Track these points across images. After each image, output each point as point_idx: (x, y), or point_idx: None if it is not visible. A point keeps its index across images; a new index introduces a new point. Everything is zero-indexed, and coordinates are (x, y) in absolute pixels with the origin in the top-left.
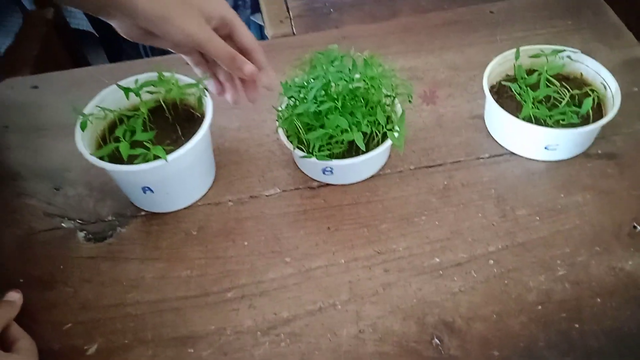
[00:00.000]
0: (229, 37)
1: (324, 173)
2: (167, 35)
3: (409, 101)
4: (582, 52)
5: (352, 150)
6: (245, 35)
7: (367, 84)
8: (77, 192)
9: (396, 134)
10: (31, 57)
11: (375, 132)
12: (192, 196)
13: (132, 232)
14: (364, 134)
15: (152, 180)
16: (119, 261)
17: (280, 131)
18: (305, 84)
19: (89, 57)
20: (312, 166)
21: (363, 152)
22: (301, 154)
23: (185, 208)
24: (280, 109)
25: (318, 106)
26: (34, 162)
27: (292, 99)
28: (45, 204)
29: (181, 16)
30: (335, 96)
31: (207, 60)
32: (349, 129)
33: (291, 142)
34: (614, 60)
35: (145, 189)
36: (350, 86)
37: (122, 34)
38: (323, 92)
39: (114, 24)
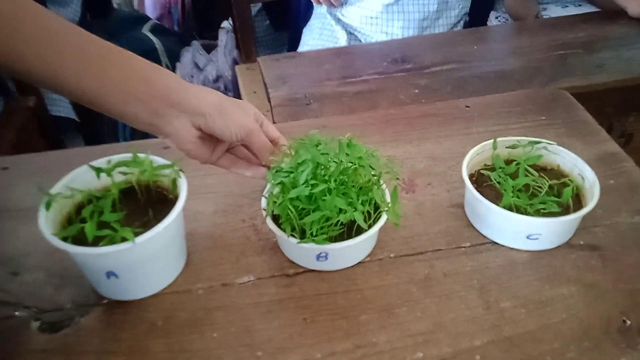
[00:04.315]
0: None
1: (317, 259)
2: (224, 127)
3: (397, 178)
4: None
5: (344, 234)
6: (272, 128)
7: (355, 164)
8: (35, 277)
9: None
10: (7, 144)
11: (369, 213)
12: (160, 283)
13: (91, 322)
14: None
15: (117, 265)
16: (72, 355)
17: (269, 220)
18: (293, 168)
19: (66, 144)
20: (306, 253)
21: (358, 234)
22: (296, 241)
23: (151, 296)
24: (267, 195)
25: (311, 189)
26: None
27: (280, 185)
28: None
29: (234, 110)
30: (327, 178)
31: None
32: (347, 209)
33: (283, 229)
34: (588, 154)
35: (109, 274)
36: (340, 167)
37: (177, 143)
38: (312, 176)
39: (170, 129)
